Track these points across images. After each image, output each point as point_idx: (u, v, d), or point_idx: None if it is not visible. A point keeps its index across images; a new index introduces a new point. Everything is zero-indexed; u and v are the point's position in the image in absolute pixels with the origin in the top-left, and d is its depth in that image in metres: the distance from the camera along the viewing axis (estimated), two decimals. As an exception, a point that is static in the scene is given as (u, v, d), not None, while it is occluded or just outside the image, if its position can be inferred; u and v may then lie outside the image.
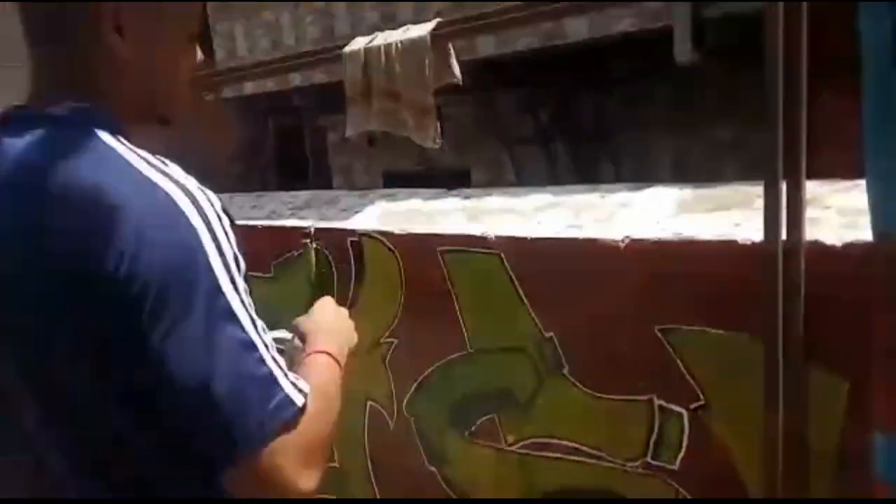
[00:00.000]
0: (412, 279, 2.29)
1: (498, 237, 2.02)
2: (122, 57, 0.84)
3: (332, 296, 2.55)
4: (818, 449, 1.51)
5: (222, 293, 0.79)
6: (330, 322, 1.28)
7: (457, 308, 2.18)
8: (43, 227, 0.75)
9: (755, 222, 1.54)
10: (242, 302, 0.82)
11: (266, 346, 0.83)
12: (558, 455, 2.00)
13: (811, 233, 1.45)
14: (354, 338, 1.33)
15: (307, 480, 0.82)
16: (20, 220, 0.76)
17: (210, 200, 0.81)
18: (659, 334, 1.74)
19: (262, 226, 2.83)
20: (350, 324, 1.37)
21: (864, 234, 1.35)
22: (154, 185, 0.77)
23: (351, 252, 2.46)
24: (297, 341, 1.22)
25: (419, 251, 2.24)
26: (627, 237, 1.76)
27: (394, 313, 2.36)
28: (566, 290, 1.90)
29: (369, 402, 2.55)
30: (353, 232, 2.45)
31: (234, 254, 0.83)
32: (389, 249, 2.32)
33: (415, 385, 2.37)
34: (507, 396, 2.10)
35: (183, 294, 0.76)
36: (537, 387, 2.03)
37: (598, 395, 1.89)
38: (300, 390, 0.85)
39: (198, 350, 0.76)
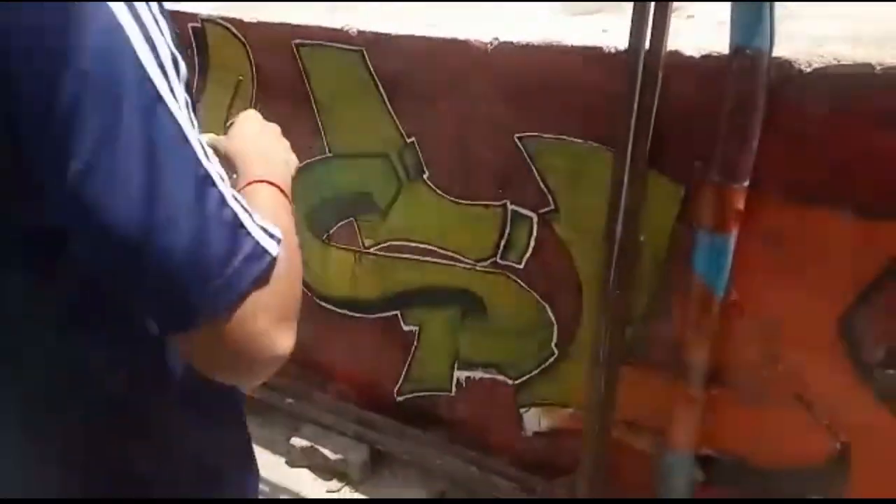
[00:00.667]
0: (264, 74, 2.10)
1: (360, 31, 1.87)
2: None
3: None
4: (651, 247, 1.67)
5: (163, 105, 0.57)
6: (262, 142, 0.96)
7: (314, 108, 2.05)
8: None
9: (624, 30, 1.53)
10: (189, 119, 0.60)
11: (221, 177, 0.61)
12: (414, 257, 2.07)
13: (673, 43, 1.47)
14: (293, 159, 0.99)
15: (284, 340, 0.64)
16: None
17: None
18: (517, 142, 1.76)
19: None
20: (285, 143, 1.02)
21: (724, 46, 1.39)
22: None
23: (192, 39, 2.19)
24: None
25: (271, 43, 2.04)
26: (496, 39, 1.69)
27: (243, 111, 2.18)
28: (430, 93, 1.84)
29: (220, 205, 2.44)
30: (193, 16, 2.15)
31: (172, 53, 0.60)
32: (237, 39, 2.08)
33: (269, 188, 2.27)
34: (366, 201, 2.09)
35: (109, 105, 0.54)
36: (397, 192, 2.02)
37: (456, 200, 1.92)
38: (271, 235, 0.64)
39: (135, 184, 0.55)
